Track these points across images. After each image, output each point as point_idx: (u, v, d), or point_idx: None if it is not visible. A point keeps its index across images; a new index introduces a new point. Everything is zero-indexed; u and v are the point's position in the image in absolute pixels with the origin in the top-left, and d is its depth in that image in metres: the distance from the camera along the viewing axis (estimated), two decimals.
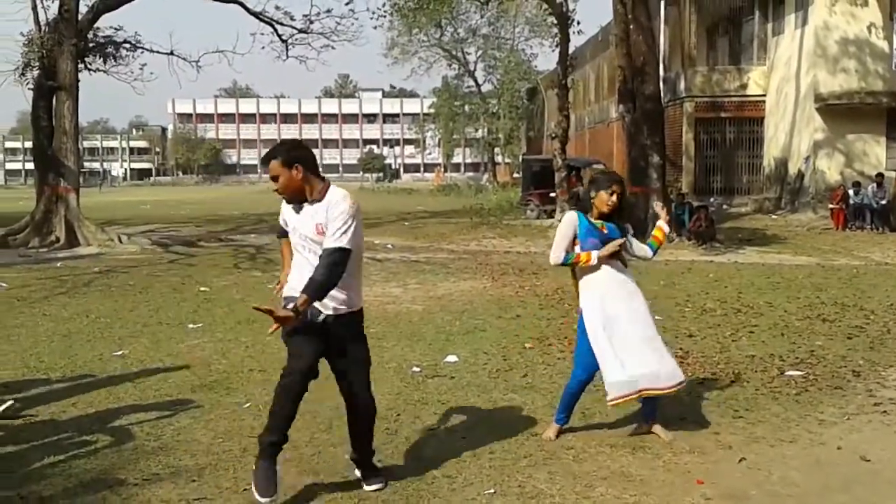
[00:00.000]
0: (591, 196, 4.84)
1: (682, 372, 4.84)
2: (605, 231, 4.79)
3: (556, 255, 4.78)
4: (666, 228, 5.18)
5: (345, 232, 3.86)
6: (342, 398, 4.20)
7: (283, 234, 4.27)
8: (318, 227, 3.91)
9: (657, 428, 4.86)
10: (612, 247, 4.73)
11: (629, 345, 4.64)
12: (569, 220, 4.81)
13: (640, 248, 5.01)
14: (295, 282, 4.01)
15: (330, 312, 3.97)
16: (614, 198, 4.76)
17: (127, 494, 4.09)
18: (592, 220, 4.80)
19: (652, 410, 4.87)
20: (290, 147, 4.05)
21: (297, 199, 3.99)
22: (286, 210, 4.13)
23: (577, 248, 4.76)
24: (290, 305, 3.84)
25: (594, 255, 4.71)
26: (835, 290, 10.59)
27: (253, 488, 3.91)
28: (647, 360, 4.64)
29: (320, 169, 4.11)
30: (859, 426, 5.07)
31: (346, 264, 3.88)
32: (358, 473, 4.22)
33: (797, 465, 4.43)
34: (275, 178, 3.94)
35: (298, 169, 3.93)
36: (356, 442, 4.24)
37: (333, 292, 3.90)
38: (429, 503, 3.98)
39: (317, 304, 3.89)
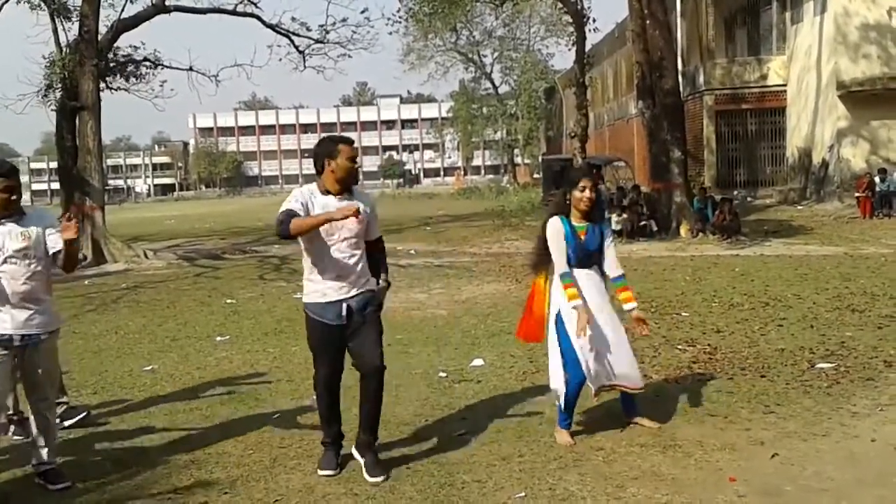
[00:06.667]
0: (566, 199, 4.81)
1: (635, 365, 4.98)
2: (583, 239, 4.77)
3: (562, 265, 4.73)
4: (633, 310, 4.92)
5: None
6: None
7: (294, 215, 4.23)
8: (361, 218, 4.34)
9: (643, 420, 4.99)
10: (581, 323, 4.62)
11: (604, 345, 4.78)
12: (556, 228, 4.75)
13: (610, 264, 4.88)
14: (340, 281, 4.35)
15: (354, 293, 4.36)
16: (587, 193, 4.72)
17: None
18: (574, 223, 4.79)
19: (631, 406, 5.03)
20: None
21: (354, 181, 4.42)
22: (321, 201, 4.32)
23: None
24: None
25: (579, 304, 4.64)
26: (864, 279, 10.45)
27: (317, 468, 4.46)
28: (621, 361, 4.82)
29: None
30: (893, 417, 5.00)
31: None
32: (361, 462, 4.43)
33: (831, 458, 4.37)
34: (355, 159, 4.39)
35: None
36: (368, 418, 4.47)
37: (359, 274, 4.39)
38: None
39: (340, 294, 4.33)
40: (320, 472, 4.43)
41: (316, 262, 4.34)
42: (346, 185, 4.38)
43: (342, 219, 4.12)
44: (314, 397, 4.82)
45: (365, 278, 4.45)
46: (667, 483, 4.13)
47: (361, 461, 4.44)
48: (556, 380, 4.87)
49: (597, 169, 22.86)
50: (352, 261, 4.38)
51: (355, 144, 4.52)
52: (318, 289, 4.36)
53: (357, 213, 4.12)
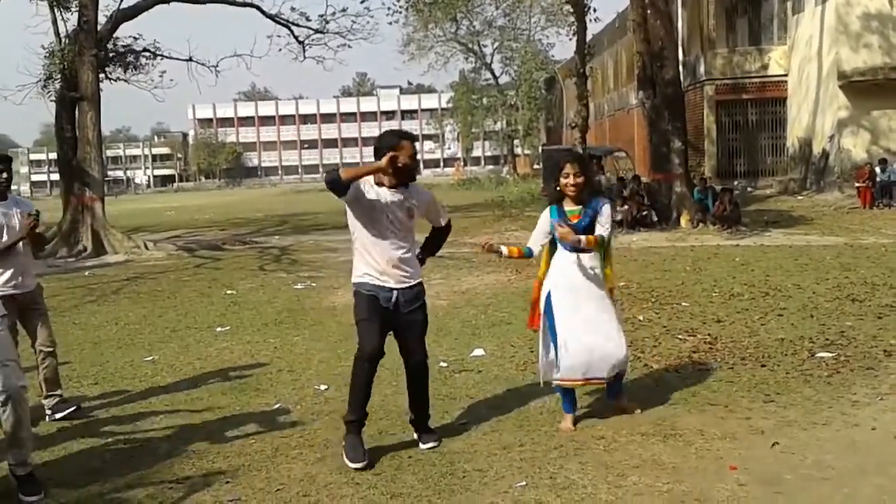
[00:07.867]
0: (556, 187, 4.85)
1: (626, 358, 4.96)
2: (574, 223, 4.74)
3: (532, 242, 4.93)
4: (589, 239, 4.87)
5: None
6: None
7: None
8: (409, 211, 4.47)
9: (626, 404, 5.02)
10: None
11: (585, 332, 4.75)
12: (541, 217, 4.90)
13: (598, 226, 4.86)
14: (389, 272, 4.46)
15: (404, 286, 4.50)
16: (570, 179, 4.73)
17: (162, 499, 4.13)
18: (567, 208, 4.79)
19: (617, 390, 5.02)
20: None
21: (411, 178, 4.47)
22: (374, 190, 4.42)
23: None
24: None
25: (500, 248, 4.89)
26: (864, 269, 10.45)
27: (344, 457, 4.40)
28: (597, 354, 4.74)
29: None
30: (893, 406, 5.00)
31: None
32: (415, 434, 4.69)
33: (831, 447, 4.38)
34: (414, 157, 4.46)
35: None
36: (413, 403, 4.72)
37: (407, 267, 4.51)
38: (461, 497, 3.98)
39: (390, 283, 4.47)
40: (351, 465, 4.34)
41: (366, 249, 4.45)
42: (402, 180, 4.45)
43: (386, 167, 4.26)
44: (321, 388, 4.83)
45: (414, 271, 4.58)
46: (667, 472, 4.13)
47: (415, 434, 4.70)
48: (542, 366, 4.96)
49: (597, 160, 22.86)
50: (399, 252, 4.48)
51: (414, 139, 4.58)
52: (372, 273, 4.47)
53: (394, 158, 4.27)
